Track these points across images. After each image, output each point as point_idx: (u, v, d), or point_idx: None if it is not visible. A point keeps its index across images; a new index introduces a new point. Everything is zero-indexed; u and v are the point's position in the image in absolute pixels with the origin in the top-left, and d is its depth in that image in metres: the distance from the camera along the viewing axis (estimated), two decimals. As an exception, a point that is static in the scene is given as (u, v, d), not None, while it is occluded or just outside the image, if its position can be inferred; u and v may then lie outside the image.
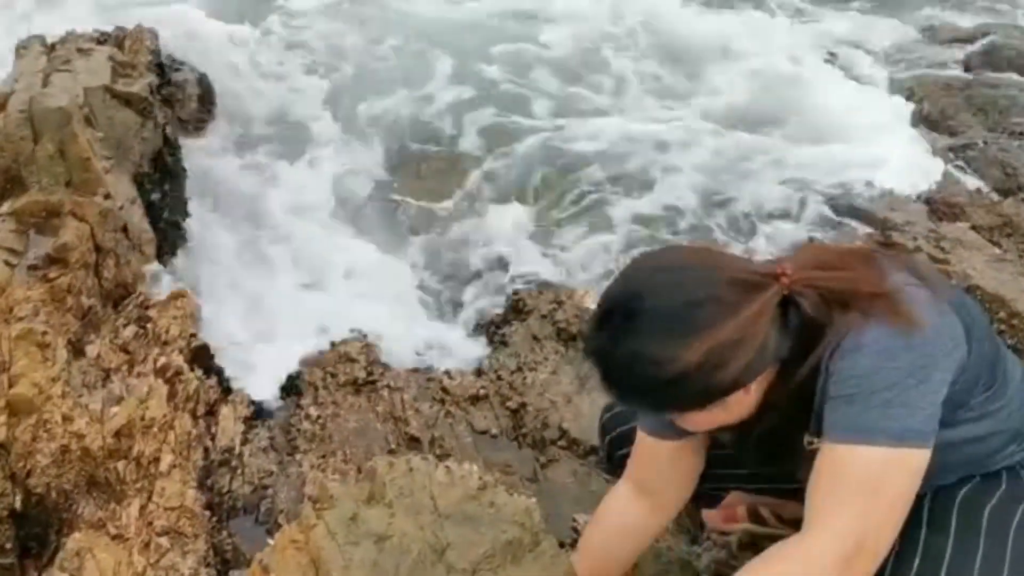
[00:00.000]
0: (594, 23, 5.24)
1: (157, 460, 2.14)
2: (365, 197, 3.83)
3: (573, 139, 4.16)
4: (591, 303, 3.17)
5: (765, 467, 1.59)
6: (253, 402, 2.68)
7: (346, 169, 3.93)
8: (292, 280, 3.29)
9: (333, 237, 3.53)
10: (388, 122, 4.28)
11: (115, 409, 2.15)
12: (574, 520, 2.26)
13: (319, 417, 2.61)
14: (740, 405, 1.36)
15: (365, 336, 2.95)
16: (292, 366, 2.86)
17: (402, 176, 4.01)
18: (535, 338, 3.09)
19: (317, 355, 2.88)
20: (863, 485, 1.28)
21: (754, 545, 2.05)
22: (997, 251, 3.44)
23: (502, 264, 3.48)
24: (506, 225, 3.70)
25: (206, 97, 3.80)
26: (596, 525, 1.75)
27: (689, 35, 5.16)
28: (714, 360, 1.26)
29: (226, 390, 2.66)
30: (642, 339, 1.28)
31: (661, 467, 1.64)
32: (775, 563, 1.32)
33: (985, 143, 4.26)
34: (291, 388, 2.79)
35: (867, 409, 1.28)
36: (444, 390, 2.74)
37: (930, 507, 1.50)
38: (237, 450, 2.46)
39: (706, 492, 1.82)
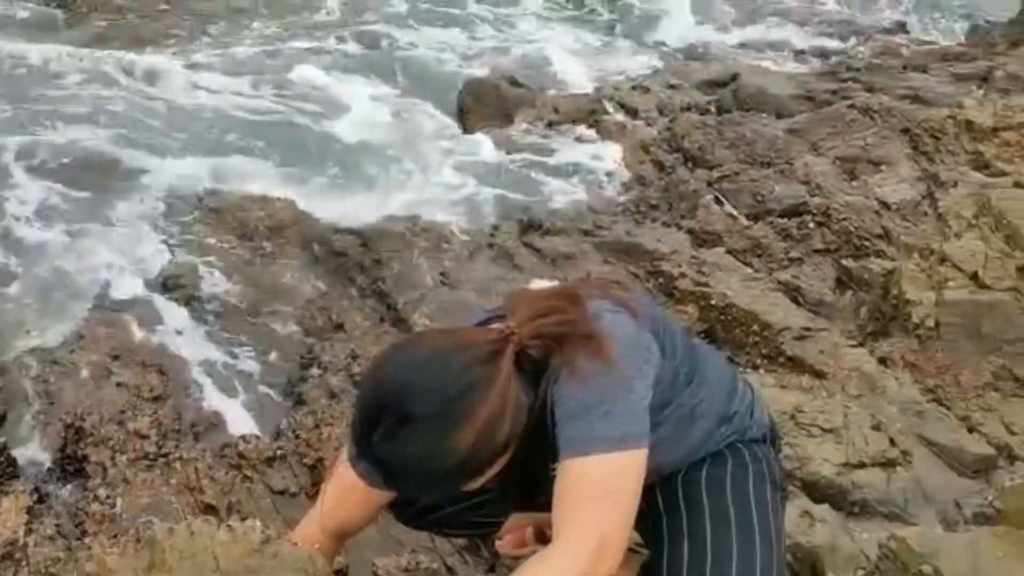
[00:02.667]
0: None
1: (-72, 561, 2.05)
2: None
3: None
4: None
5: (527, 501, 1.74)
6: (37, 489, 2.59)
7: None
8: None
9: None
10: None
11: None
12: (374, 565, 2.33)
13: (108, 497, 2.56)
14: (505, 456, 1.50)
15: (155, 411, 2.91)
16: (80, 447, 2.78)
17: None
18: (332, 394, 3.16)
19: (105, 432, 2.81)
20: (596, 490, 1.46)
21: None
22: (749, 271, 3.82)
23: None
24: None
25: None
26: None
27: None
28: (487, 434, 1.41)
29: (6, 480, 2.56)
30: (420, 441, 1.39)
31: (357, 508, 1.76)
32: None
33: (737, 174, 4.70)
34: (79, 470, 2.72)
35: (588, 424, 1.46)
36: (240, 455, 2.75)
37: (683, 493, 1.73)
38: (21, 541, 2.37)
39: (487, 522, 1.95)
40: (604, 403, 1.47)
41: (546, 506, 1.67)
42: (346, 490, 1.73)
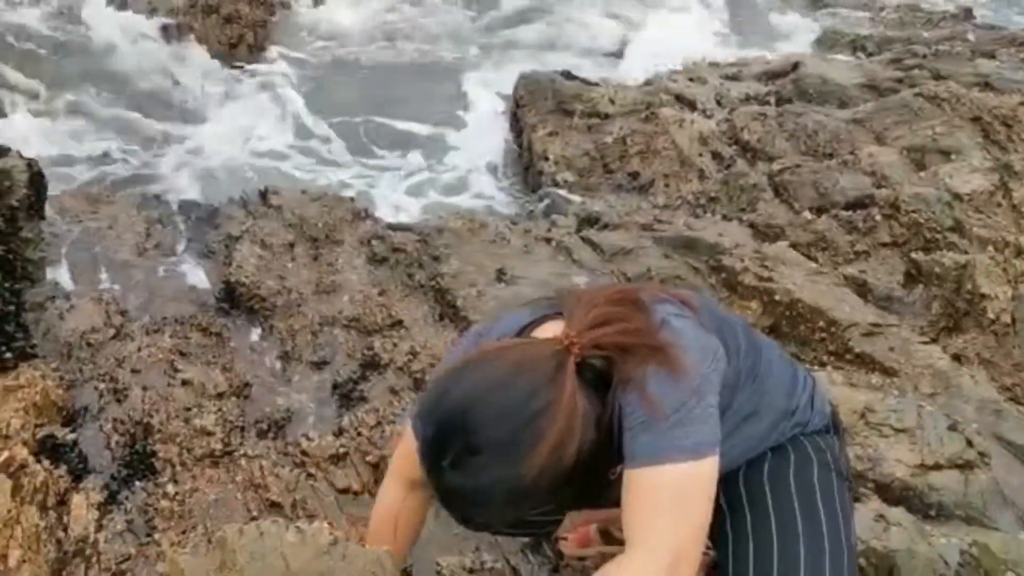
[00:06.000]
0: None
1: (5, 557, 2.09)
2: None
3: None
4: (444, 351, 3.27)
5: (580, 504, 1.71)
6: (107, 486, 2.63)
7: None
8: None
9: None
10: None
11: (-45, 510, 2.09)
12: (438, 564, 2.32)
13: (177, 494, 2.59)
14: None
15: (220, 408, 2.94)
16: (148, 444, 2.82)
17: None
18: (393, 391, 3.16)
19: (172, 429, 2.85)
20: (670, 501, 1.43)
21: (609, 565, 2.16)
22: (814, 265, 3.73)
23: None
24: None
25: (36, 181, 3.73)
26: (383, 523, 1.84)
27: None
28: (557, 456, 1.38)
29: (76, 477, 2.61)
30: (490, 470, 1.37)
31: None
32: None
33: (798, 166, 4.60)
34: (147, 467, 2.75)
35: (661, 433, 1.43)
36: (304, 453, 2.76)
37: (746, 489, 1.70)
38: (92, 538, 2.41)
39: (545, 520, 1.92)
40: (676, 412, 1.44)
41: (604, 505, 1.65)
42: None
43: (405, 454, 1.76)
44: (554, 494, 1.46)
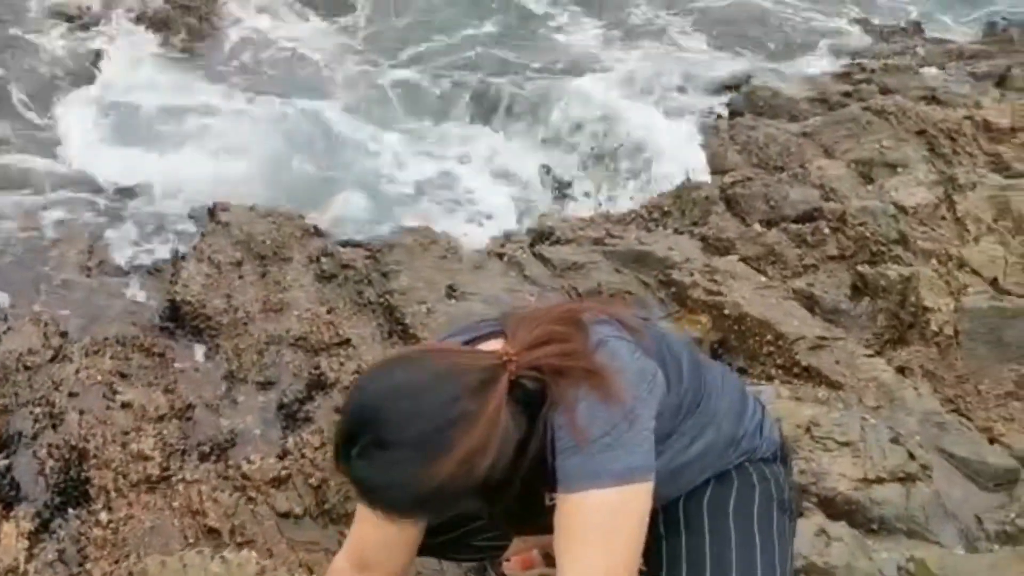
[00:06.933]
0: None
1: (-76, 592, 2.02)
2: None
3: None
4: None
5: (519, 529, 1.69)
6: (39, 514, 2.56)
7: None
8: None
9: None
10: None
11: None
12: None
13: (111, 522, 2.52)
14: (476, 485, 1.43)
15: (160, 431, 2.88)
16: (83, 470, 2.75)
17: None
18: (339, 411, 3.11)
19: (108, 455, 2.78)
20: (600, 525, 1.41)
21: (551, 587, 2.13)
22: (763, 279, 3.75)
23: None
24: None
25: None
26: None
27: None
28: (465, 468, 1.34)
29: (7, 505, 2.54)
30: (399, 466, 1.34)
31: (381, 540, 1.66)
32: None
33: (750, 179, 4.62)
34: (81, 494, 2.68)
35: (591, 456, 1.40)
36: (244, 476, 2.71)
37: (684, 514, 1.68)
38: (21, 568, 2.35)
39: (491, 546, 1.90)
40: (607, 435, 1.41)
41: (547, 529, 1.62)
42: (369, 523, 1.62)
43: (356, 528, 1.70)
44: (457, 508, 1.44)
